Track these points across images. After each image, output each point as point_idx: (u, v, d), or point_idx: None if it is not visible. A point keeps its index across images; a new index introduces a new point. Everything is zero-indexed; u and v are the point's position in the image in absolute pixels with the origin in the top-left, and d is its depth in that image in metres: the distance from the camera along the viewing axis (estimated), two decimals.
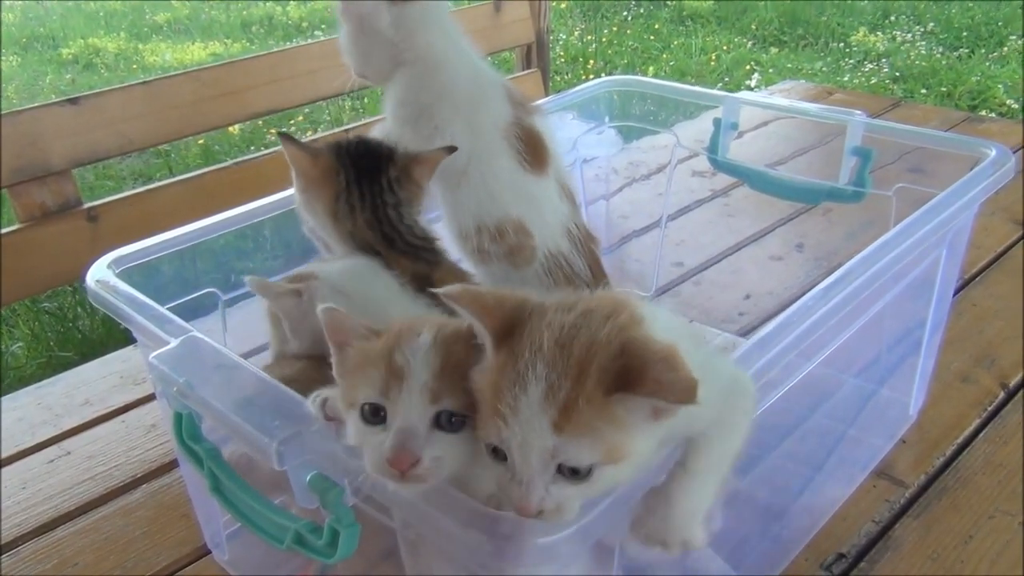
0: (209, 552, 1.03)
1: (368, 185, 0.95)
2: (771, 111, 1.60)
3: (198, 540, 1.04)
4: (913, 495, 1.08)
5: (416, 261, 0.96)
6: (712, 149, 1.30)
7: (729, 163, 1.30)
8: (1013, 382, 1.27)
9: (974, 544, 1.01)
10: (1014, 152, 1.85)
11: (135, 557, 1.03)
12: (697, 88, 1.34)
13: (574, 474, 0.57)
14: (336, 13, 1.02)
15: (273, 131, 4.49)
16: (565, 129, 1.36)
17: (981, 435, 1.17)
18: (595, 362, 0.57)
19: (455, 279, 0.96)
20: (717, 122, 1.28)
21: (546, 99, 1.34)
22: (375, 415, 0.62)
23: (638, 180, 1.87)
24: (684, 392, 0.55)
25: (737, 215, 1.76)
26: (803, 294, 1.48)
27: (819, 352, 0.87)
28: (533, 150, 1.04)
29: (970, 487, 1.09)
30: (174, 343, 0.76)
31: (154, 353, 0.74)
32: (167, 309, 0.86)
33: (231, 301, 1.03)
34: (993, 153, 1.04)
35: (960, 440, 1.17)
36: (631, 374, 0.57)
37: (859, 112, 1.17)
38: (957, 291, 1.48)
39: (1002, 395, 1.24)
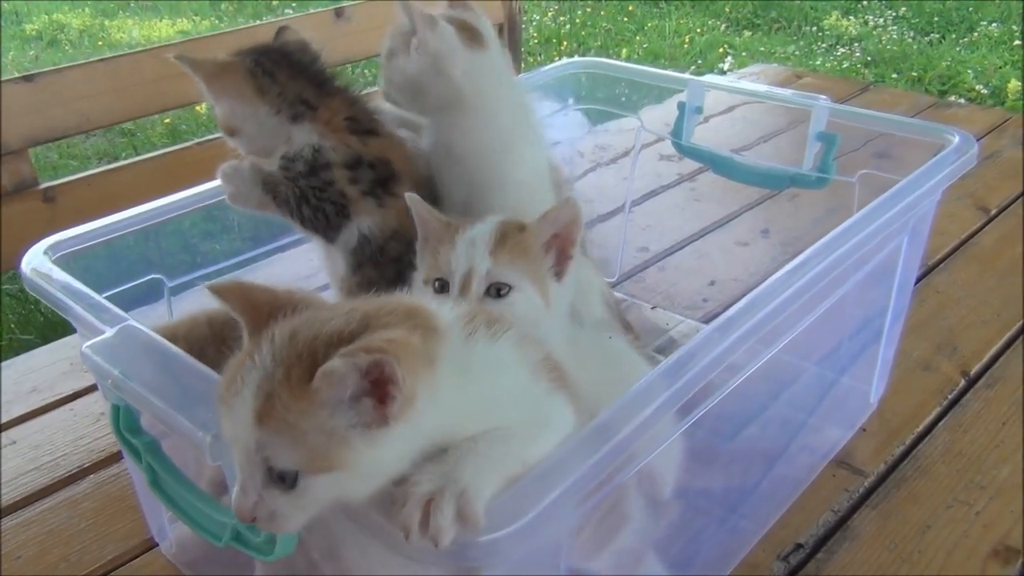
0: (156, 545, 1.00)
1: (276, 54, 0.97)
2: (737, 95, 1.59)
3: (145, 532, 1.01)
4: (872, 484, 1.08)
5: (351, 105, 0.97)
6: (676, 134, 1.28)
7: (693, 148, 1.28)
8: (974, 370, 1.26)
9: (931, 534, 1.00)
10: (979, 139, 1.85)
11: (80, 550, 1.00)
12: (662, 71, 1.32)
13: (282, 480, 0.54)
14: (398, 41, 0.98)
15: None
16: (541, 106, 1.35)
17: (941, 424, 1.17)
18: (312, 350, 0.54)
19: (396, 151, 0.96)
20: (681, 106, 1.26)
21: None
22: None
23: (604, 164, 1.85)
24: (378, 348, 0.50)
25: (704, 200, 1.75)
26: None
27: (780, 338, 0.85)
28: None
29: (929, 476, 1.08)
30: (109, 333, 0.73)
31: (87, 343, 0.71)
32: (110, 296, 0.84)
33: (179, 288, 1.01)
34: (956, 140, 1.03)
35: (920, 429, 1.16)
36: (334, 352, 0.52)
37: (824, 97, 1.16)
38: (920, 278, 1.47)
39: (963, 383, 1.24)
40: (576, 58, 1.37)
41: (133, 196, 2.22)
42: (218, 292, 0.62)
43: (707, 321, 1.40)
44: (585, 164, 1.84)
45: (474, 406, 0.59)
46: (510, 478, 0.58)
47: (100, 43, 5.60)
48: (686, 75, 1.29)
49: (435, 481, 0.53)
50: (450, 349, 0.59)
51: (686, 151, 1.29)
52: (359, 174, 0.94)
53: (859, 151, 1.24)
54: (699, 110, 1.27)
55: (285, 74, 0.96)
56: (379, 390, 0.52)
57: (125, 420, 0.74)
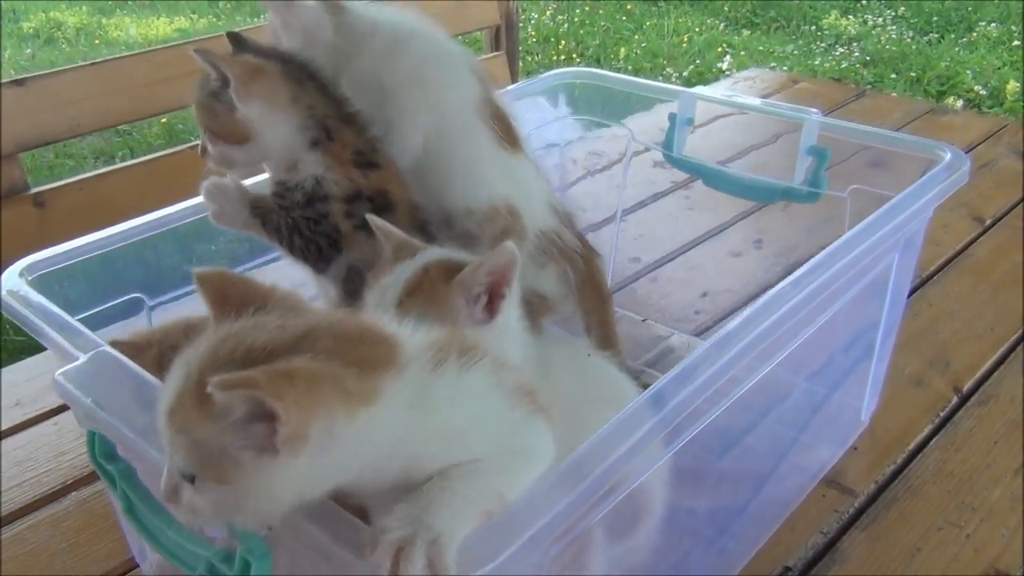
0: (137, 566, 0.99)
1: (294, 64, 0.94)
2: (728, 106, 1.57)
3: (126, 553, 1.00)
4: (862, 505, 1.06)
5: (359, 135, 0.95)
6: (667, 145, 1.27)
7: (684, 160, 1.27)
8: (967, 386, 1.25)
9: (921, 558, 0.99)
10: (974, 147, 1.84)
11: (61, 570, 0.99)
12: (653, 83, 1.31)
13: (183, 476, 0.54)
14: (274, 31, 0.98)
15: None
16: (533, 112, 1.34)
17: (933, 442, 1.15)
18: (231, 360, 0.53)
19: (394, 182, 0.95)
20: (672, 117, 1.25)
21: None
22: None
23: (597, 172, 1.83)
24: (261, 383, 0.48)
25: (697, 209, 1.73)
26: (760, 293, 1.46)
27: (770, 359, 0.84)
28: (506, 129, 1.02)
29: (920, 497, 1.07)
30: (82, 359, 0.72)
31: (60, 371, 0.70)
32: (89, 317, 0.83)
33: (163, 304, 1.00)
34: (948, 157, 1.02)
35: (912, 447, 1.15)
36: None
37: (815, 111, 1.15)
38: (914, 290, 1.46)
39: (955, 400, 1.23)
40: (567, 68, 1.36)
41: (126, 201, 2.20)
42: (199, 277, 0.62)
43: (699, 334, 1.40)
44: (578, 171, 1.83)
45: (437, 440, 0.58)
46: (488, 514, 0.56)
47: (97, 41, 5.59)
48: (677, 87, 1.27)
49: (405, 527, 0.52)
50: (405, 382, 0.57)
51: (677, 163, 1.28)
52: (356, 208, 0.92)
53: (852, 159, 1.23)
54: (690, 122, 1.25)
55: (312, 86, 0.93)
56: (271, 419, 0.50)
57: (101, 446, 0.73)
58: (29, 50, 5.44)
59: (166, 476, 0.57)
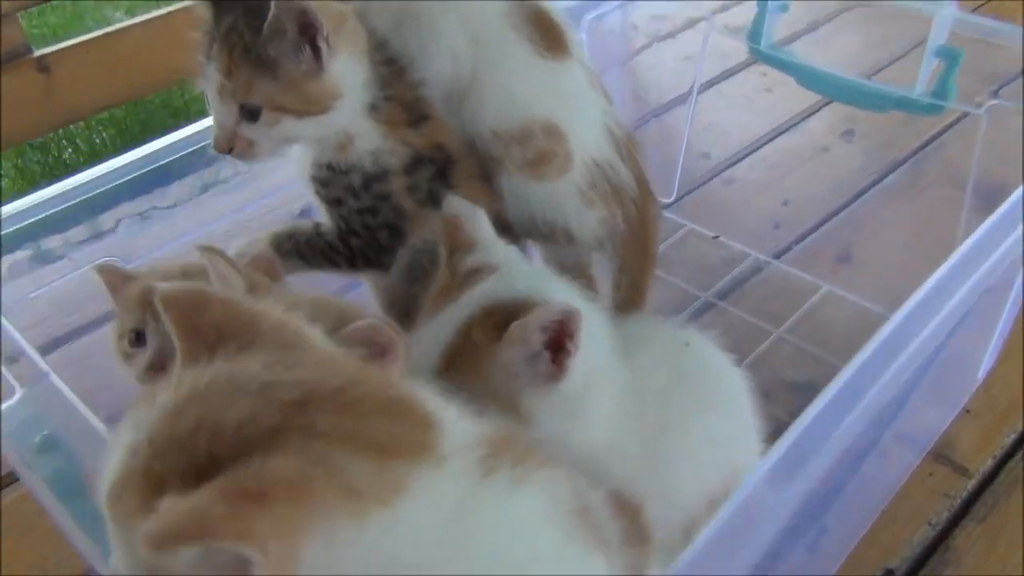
0: None
1: None
2: None
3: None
4: (976, 487, 0.90)
5: (404, 82, 0.78)
6: (754, 37, 1.04)
7: (776, 56, 1.04)
8: None
9: None
10: None
11: None
12: None
13: None
14: None
15: None
16: None
17: None
18: (183, 448, 0.38)
19: (445, 132, 0.79)
20: (762, 4, 1.02)
21: None
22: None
23: (661, 40, 1.59)
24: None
25: (776, 89, 1.49)
26: (851, 202, 1.25)
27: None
28: (545, 31, 0.84)
29: None
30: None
31: None
32: None
33: None
34: None
35: None
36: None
37: (950, 2, 0.91)
38: None
39: None
40: None
41: (135, 63, 1.98)
42: (164, 300, 0.46)
43: (779, 255, 1.20)
44: (640, 39, 1.59)
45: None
46: None
47: None
48: None
49: None
50: (443, 480, 0.41)
51: (766, 58, 1.06)
52: (417, 178, 0.75)
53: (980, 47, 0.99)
54: (784, 7, 1.02)
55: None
56: None
57: None
58: None
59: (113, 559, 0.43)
